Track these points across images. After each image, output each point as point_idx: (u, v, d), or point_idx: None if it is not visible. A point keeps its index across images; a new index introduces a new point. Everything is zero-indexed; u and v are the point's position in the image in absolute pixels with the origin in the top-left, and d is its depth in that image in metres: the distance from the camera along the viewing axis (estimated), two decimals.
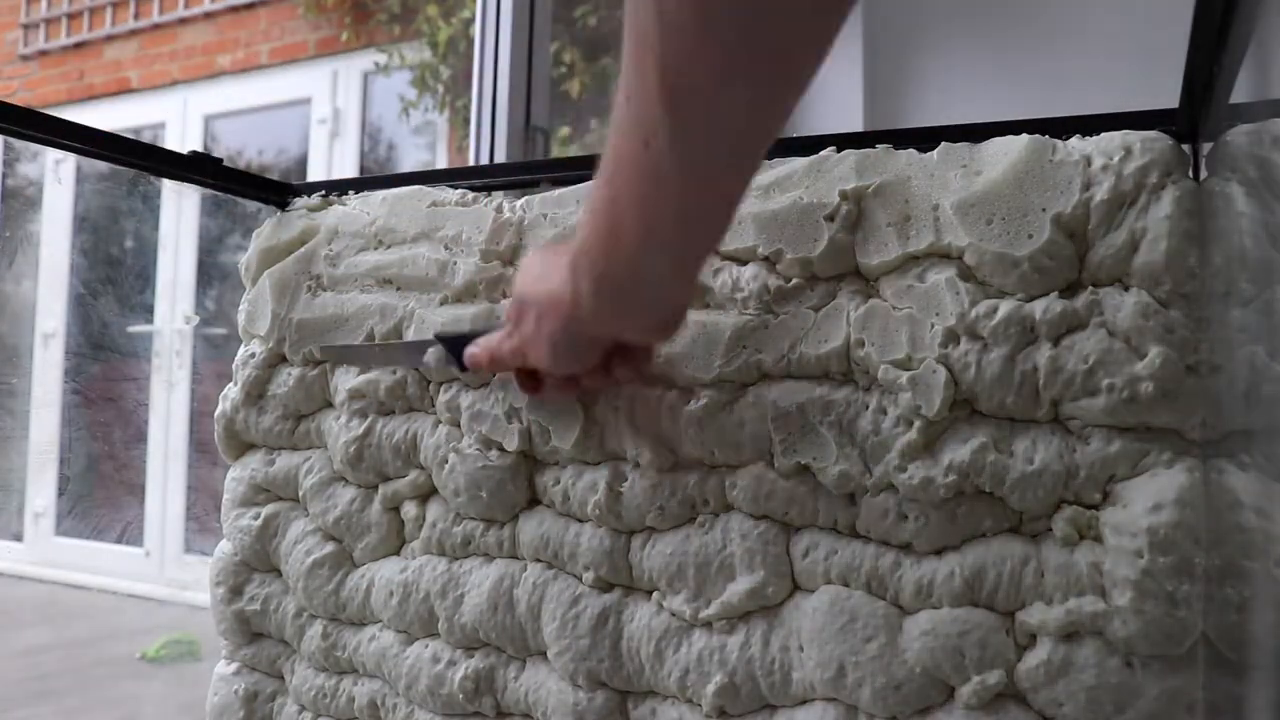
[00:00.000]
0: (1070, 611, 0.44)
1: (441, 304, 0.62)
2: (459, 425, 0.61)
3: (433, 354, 0.58)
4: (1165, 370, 0.43)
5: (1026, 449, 0.46)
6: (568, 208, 0.60)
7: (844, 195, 0.51)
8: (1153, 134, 0.46)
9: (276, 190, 0.72)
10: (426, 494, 0.63)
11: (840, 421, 0.50)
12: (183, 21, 2.80)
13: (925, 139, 0.52)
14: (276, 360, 0.68)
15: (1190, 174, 0.46)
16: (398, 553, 0.65)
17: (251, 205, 0.73)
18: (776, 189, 0.53)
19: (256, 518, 0.68)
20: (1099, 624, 0.44)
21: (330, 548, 0.66)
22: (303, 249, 0.68)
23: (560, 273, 0.45)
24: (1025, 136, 0.49)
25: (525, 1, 1.22)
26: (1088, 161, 0.47)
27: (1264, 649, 0.40)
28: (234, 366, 0.70)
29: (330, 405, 0.67)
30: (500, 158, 1.19)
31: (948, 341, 0.47)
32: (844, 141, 0.54)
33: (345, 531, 0.65)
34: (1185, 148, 0.47)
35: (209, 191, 0.71)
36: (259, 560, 0.69)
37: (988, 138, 0.50)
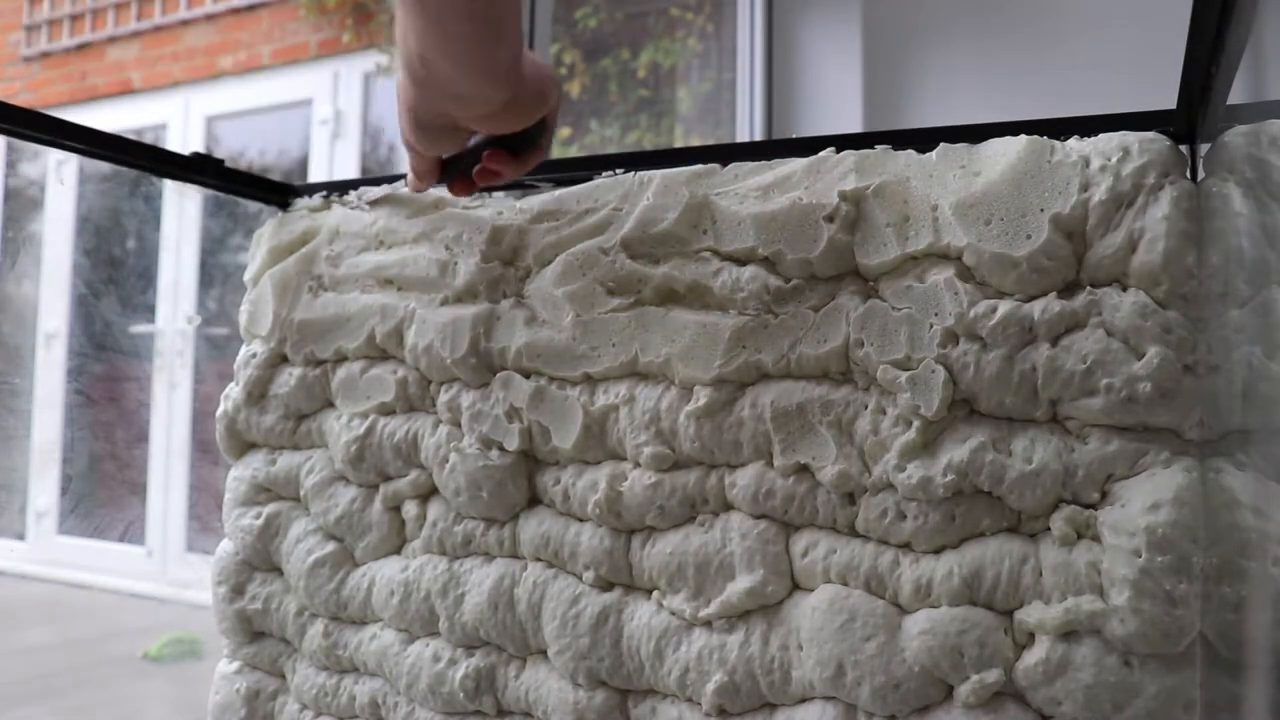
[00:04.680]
0: (1068, 610, 0.44)
1: (442, 304, 0.62)
2: (459, 425, 0.61)
3: None
4: (1163, 370, 0.44)
5: (1025, 448, 0.46)
6: (568, 208, 0.60)
7: (843, 196, 0.51)
8: (1150, 135, 0.47)
9: (278, 191, 0.72)
10: (427, 493, 0.63)
11: (839, 421, 0.50)
12: (185, 23, 2.81)
13: (924, 139, 0.52)
14: (278, 360, 0.68)
15: (1188, 175, 0.46)
16: (398, 552, 0.65)
17: (253, 206, 0.73)
18: (776, 189, 0.53)
19: (258, 517, 0.68)
20: (1097, 623, 0.44)
21: (331, 547, 0.66)
22: (304, 249, 0.68)
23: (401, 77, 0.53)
24: (1024, 137, 0.49)
25: (525, 3, 1.22)
26: (1086, 162, 0.47)
27: (1261, 648, 0.40)
28: (235, 366, 0.70)
29: (331, 405, 0.67)
30: None
31: (946, 341, 0.48)
32: (843, 142, 0.54)
33: (346, 531, 0.65)
34: (1183, 148, 0.47)
35: (211, 192, 0.72)
36: (260, 559, 0.69)
37: (986, 138, 0.50)
